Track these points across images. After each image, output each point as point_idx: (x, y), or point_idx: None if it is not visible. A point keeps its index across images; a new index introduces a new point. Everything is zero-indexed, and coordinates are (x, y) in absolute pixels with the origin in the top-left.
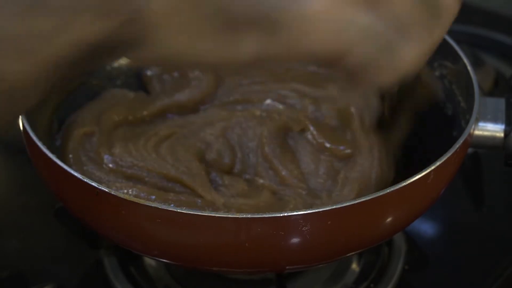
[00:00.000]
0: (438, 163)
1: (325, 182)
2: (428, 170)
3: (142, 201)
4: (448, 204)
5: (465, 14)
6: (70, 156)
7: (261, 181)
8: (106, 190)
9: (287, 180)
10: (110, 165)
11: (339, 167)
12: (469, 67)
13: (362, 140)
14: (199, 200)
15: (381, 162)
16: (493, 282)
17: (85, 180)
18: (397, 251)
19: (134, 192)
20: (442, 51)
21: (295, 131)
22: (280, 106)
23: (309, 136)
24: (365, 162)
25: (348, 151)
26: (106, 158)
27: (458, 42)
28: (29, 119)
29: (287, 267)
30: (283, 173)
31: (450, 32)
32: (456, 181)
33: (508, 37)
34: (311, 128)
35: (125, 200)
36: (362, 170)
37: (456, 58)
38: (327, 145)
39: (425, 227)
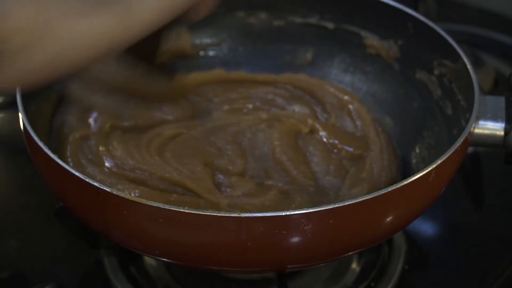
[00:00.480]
0: (439, 162)
1: (335, 180)
2: (429, 169)
3: (144, 201)
4: (448, 204)
5: (465, 14)
6: (69, 160)
7: (270, 182)
8: (108, 190)
9: (297, 179)
10: (112, 169)
11: (349, 166)
12: (468, 66)
13: (373, 141)
14: (202, 201)
15: (391, 164)
16: (493, 282)
17: (87, 180)
18: (397, 251)
19: (136, 194)
20: (442, 50)
21: (304, 133)
22: (284, 110)
23: (319, 137)
24: (376, 165)
25: (358, 151)
26: (107, 161)
27: (458, 42)
28: (30, 119)
29: (289, 266)
30: (294, 173)
31: (450, 32)
32: (456, 180)
33: (508, 37)
34: (320, 129)
35: (127, 200)
36: (372, 172)
37: (456, 57)
38: (337, 145)
39: (425, 227)
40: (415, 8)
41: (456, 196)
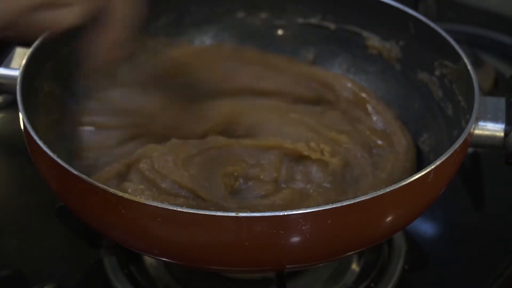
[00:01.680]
0: (437, 163)
1: (356, 175)
2: (427, 170)
3: (142, 200)
4: (448, 204)
5: (465, 14)
6: None
7: (291, 184)
8: (106, 189)
9: (315, 178)
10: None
11: (370, 163)
12: (469, 67)
13: (398, 140)
14: (211, 206)
15: (413, 166)
16: (493, 282)
17: (85, 178)
18: (397, 251)
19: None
20: (443, 51)
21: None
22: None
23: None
24: (398, 164)
25: (380, 142)
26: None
27: (458, 42)
28: (29, 119)
29: (287, 266)
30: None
31: (450, 32)
32: (456, 180)
33: (508, 37)
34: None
35: (125, 199)
36: (392, 172)
37: (456, 58)
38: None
39: (425, 227)
40: (415, 8)
41: (456, 196)
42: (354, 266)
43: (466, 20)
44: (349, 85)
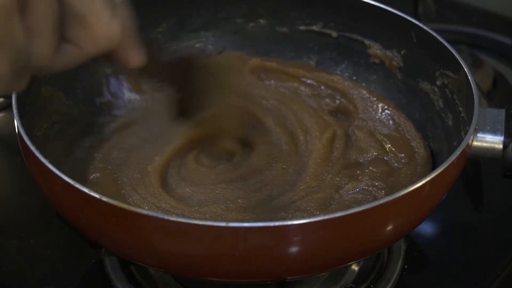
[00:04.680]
0: (433, 175)
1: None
2: (423, 181)
3: (132, 208)
4: (448, 204)
5: (465, 14)
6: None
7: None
8: (97, 196)
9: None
10: None
11: (385, 187)
12: (470, 77)
13: (419, 153)
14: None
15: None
16: (493, 281)
17: (76, 186)
18: (397, 251)
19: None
20: (444, 60)
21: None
22: None
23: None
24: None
25: (400, 154)
26: None
27: (457, 42)
28: (24, 125)
29: (288, 278)
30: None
31: (450, 32)
32: (456, 182)
33: (507, 37)
34: None
35: (115, 206)
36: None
37: (458, 68)
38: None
39: (425, 227)
40: (415, 8)
41: (456, 196)
42: (354, 266)
43: (465, 20)
44: (367, 94)
